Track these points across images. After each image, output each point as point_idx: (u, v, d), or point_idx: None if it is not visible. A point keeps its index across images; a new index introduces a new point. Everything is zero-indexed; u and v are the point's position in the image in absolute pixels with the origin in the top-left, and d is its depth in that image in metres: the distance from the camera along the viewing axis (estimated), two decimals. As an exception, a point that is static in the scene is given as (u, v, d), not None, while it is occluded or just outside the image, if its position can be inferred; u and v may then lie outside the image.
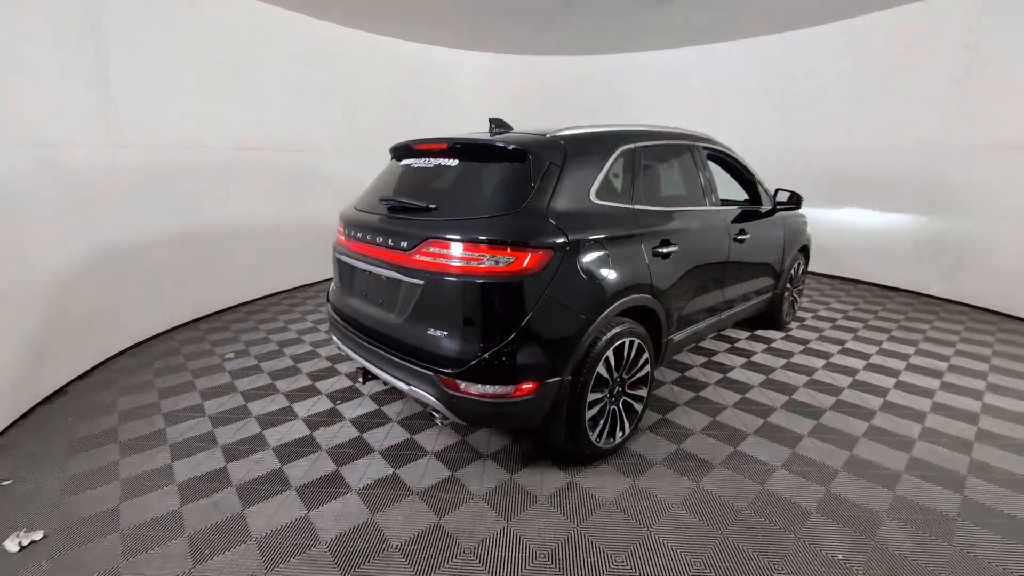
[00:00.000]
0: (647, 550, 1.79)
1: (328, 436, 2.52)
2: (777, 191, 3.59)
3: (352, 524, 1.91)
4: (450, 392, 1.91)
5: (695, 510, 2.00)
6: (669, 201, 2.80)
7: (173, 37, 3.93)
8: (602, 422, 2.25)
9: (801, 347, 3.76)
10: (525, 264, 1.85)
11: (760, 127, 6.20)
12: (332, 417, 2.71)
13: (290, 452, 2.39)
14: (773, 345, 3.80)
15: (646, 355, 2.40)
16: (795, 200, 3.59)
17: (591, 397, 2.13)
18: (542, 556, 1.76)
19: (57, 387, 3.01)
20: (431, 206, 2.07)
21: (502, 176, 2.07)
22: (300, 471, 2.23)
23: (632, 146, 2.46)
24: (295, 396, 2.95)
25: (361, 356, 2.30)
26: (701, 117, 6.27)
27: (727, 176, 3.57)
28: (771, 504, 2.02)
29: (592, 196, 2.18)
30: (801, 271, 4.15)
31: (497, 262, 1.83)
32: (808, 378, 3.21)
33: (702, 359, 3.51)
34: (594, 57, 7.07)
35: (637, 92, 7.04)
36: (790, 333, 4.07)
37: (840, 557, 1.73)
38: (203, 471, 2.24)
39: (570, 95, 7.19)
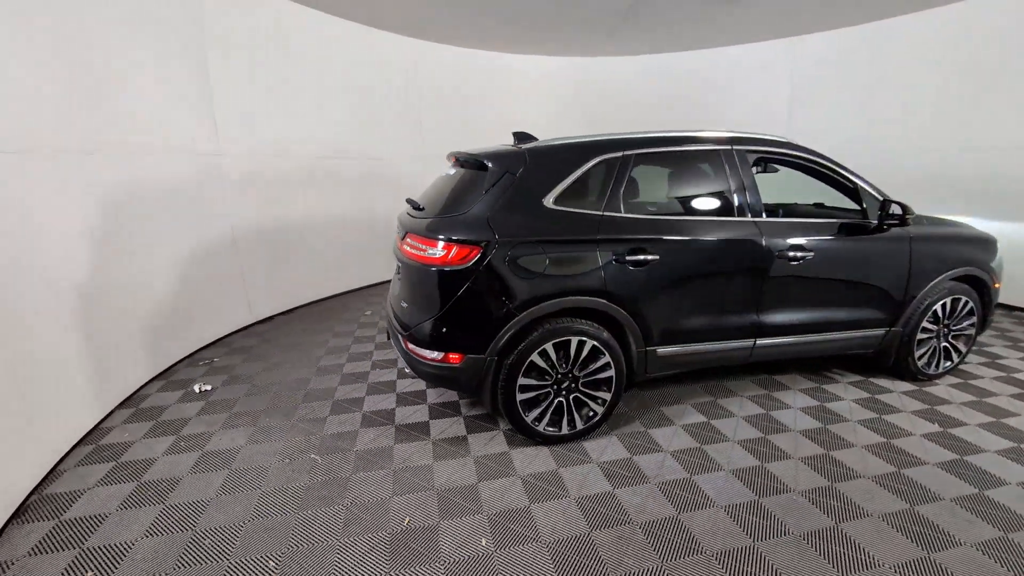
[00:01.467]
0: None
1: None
2: (887, 203, 2.86)
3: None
4: (406, 350, 2.48)
5: (585, 510, 2.09)
6: (663, 209, 2.72)
7: (260, 65, 4.39)
8: (540, 409, 2.46)
9: (919, 406, 2.91)
10: (451, 256, 2.27)
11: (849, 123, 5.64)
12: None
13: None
14: (879, 396, 3.04)
15: (606, 359, 2.47)
16: (900, 213, 2.85)
17: (523, 381, 2.38)
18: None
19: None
20: (422, 207, 2.65)
21: (467, 183, 2.50)
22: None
23: (617, 155, 2.53)
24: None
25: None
26: (779, 113, 6.22)
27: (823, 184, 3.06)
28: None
29: (548, 202, 2.40)
30: (965, 309, 3.14)
31: (433, 253, 2.31)
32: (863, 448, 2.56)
33: (756, 392, 3.11)
34: (661, 56, 6.81)
35: (712, 88, 6.68)
36: (923, 387, 3.14)
37: None
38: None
39: (635, 95, 7.00)
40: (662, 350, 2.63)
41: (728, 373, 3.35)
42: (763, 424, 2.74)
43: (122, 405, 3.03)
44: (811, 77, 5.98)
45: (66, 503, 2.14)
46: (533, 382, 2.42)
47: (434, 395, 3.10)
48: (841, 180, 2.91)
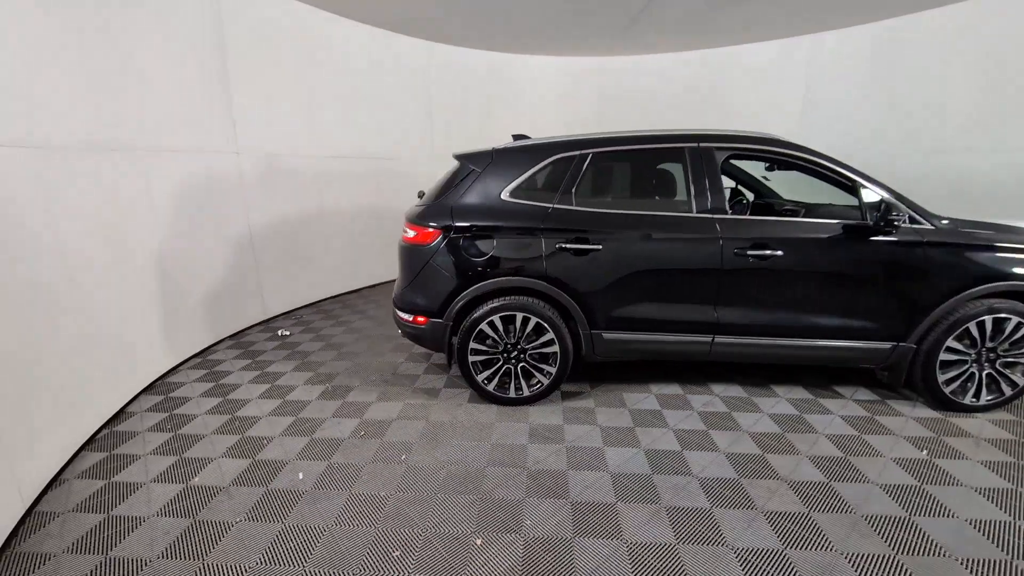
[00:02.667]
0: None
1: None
2: (883, 203, 2.59)
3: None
4: (394, 312, 3.12)
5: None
6: (614, 204, 2.87)
7: (274, 67, 4.48)
8: (490, 372, 2.88)
9: (922, 433, 2.58)
10: (419, 238, 2.82)
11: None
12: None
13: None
14: (879, 417, 2.76)
15: (550, 335, 2.79)
16: (885, 215, 2.58)
17: (474, 346, 2.83)
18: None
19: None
20: (421, 195, 3.24)
21: (450, 178, 3.01)
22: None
23: (573, 154, 2.83)
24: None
25: None
26: (791, 111, 6.14)
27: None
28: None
29: (504, 195, 2.81)
30: (1020, 332, 2.64)
31: (410, 235, 2.89)
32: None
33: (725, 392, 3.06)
34: (673, 55, 6.68)
35: (720, 88, 6.56)
36: (950, 417, 2.74)
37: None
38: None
39: (643, 93, 6.92)
40: (608, 335, 2.84)
41: (721, 375, 3.30)
42: (715, 421, 2.75)
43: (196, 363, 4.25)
44: (827, 75, 5.81)
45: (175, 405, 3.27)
46: (483, 347, 2.85)
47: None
48: (836, 177, 2.72)
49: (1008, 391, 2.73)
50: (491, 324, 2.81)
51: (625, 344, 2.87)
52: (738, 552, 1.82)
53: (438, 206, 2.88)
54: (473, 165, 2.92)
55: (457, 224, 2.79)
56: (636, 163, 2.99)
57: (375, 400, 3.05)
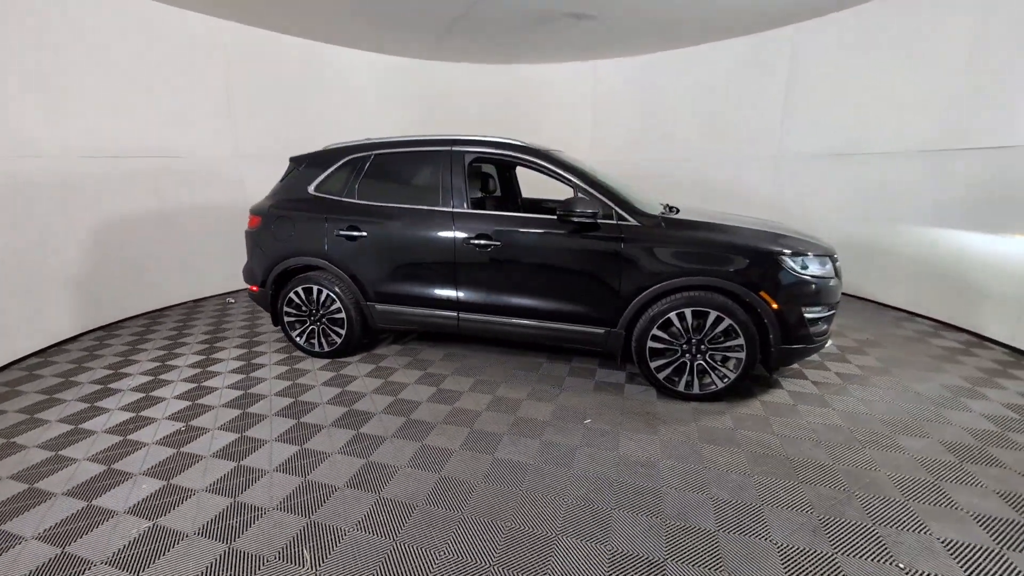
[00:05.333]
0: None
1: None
2: (567, 202, 2.93)
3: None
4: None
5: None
6: (389, 198, 3.39)
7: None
8: (305, 333, 3.64)
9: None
10: (250, 223, 3.69)
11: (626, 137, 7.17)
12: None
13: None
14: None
15: (337, 305, 3.49)
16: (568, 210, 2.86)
17: (287, 310, 3.63)
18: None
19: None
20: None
21: (282, 175, 3.77)
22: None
23: (361, 155, 3.47)
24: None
25: None
26: (582, 124, 7.42)
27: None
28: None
29: (310, 189, 3.53)
30: (721, 326, 2.78)
31: (249, 221, 3.74)
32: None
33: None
34: (493, 67, 7.23)
35: (533, 99, 7.41)
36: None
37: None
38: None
39: (462, 98, 7.28)
40: (379, 307, 3.48)
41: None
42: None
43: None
44: (609, 96, 7.17)
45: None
46: (293, 311, 3.64)
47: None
48: (560, 179, 3.06)
49: (719, 383, 2.88)
50: (296, 294, 3.57)
51: (395, 315, 3.48)
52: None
53: (266, 198, 3.72)
54: (295, 164, 3.69)
55: (271, 212, 3.59)
56: (408, 163, 3.48)
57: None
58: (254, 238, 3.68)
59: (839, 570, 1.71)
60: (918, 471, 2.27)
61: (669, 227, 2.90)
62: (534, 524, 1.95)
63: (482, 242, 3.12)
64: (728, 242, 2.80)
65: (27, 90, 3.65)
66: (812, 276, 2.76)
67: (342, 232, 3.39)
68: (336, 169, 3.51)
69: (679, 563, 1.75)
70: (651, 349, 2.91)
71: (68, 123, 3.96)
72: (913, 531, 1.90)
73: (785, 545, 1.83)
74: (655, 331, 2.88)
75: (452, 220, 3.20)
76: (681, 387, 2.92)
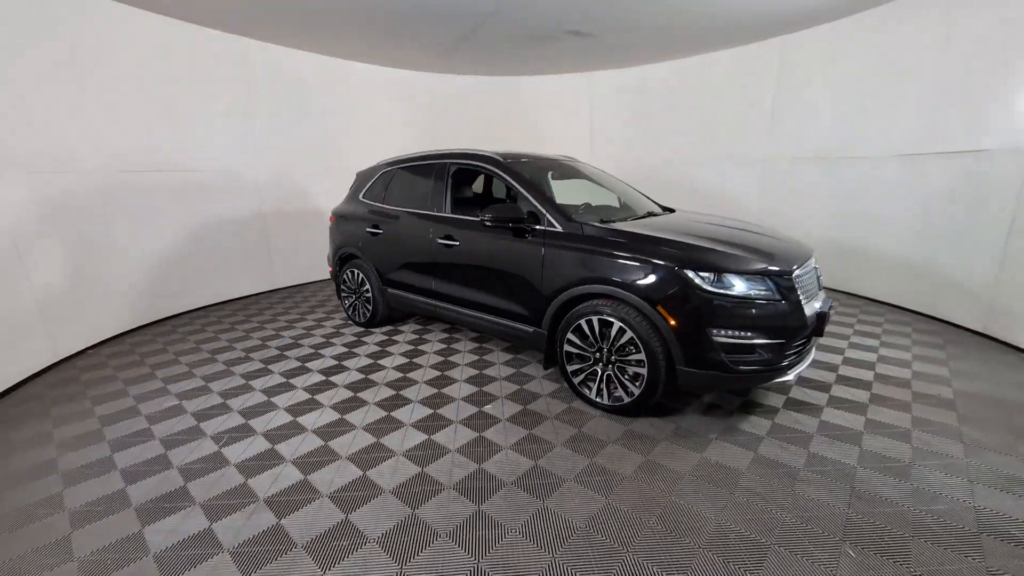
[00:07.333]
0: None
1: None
2: (490, 206, 3.21)
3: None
4: None
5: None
6: (401, 203, 4.01)
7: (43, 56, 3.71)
8: (351, 307, 4.54)
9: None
10: (330, 220, 4.66)
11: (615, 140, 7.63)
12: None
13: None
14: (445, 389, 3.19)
15: (367, 286, 4.30)
16: (501, 214, 3.06)
17: (343, 287, 4.58)
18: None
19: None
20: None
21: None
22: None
23: (389, 168, 4.23)
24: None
25: None
26: (581, 132, 7.80)
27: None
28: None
29: (360, 197, 4.40)
30: (624, 337, 2.63)
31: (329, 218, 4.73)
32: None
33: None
34: (498, 79, 7.52)
35: (536, 109, 7.75)
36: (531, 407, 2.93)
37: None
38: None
39: (474, 111, 7.59)
40: (390, 291, 4.16)
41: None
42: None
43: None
44: (604, 106, 7.53)
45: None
46: (345, 289, 4.56)
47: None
48: (508, 185, 3.26)
49: (625, 398, 2.71)
50: (347, 275, 4.50)
51: (399, 300, 4.12)
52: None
53: (340, 204, 4.63)
54: (357, 177, 4.57)
55: (337, 213, 4.59)
56: (416, 174, 4.00)
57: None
58: (330, 231, 4.68)
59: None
60: None
61: (587, 233, 2.84)
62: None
63: (447, 242, 3.53)
64: (632, 252, 2.65)
65: (69, 110, 3.89)
66: (728, 295, 2.42)
67: (369, 230, 4.18)
68: (375, 180, 4.33)
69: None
70: (567, 353, 2.91)
71: (105, 141, 4.22)
72: None
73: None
74: (569, 335, 2.86)
75: (432, 222, 3.67)
76: (593, 395, 2.85)
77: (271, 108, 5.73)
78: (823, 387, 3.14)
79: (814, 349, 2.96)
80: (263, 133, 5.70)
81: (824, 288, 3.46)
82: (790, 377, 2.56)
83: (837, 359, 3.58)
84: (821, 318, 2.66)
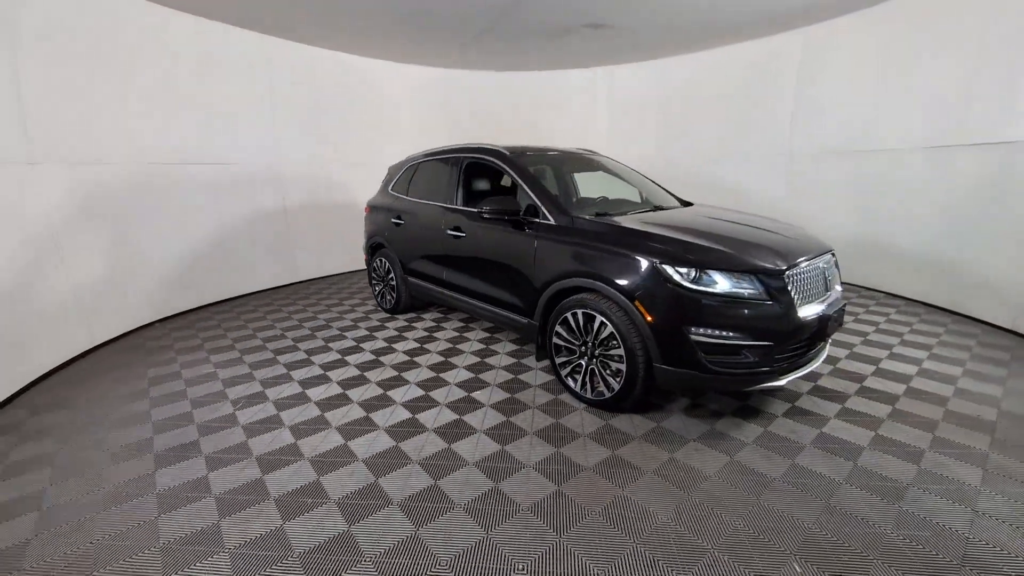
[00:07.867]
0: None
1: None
2: (488, 199, 3.20)
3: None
4: None
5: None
6: (421, 196, 4.17)
7: (85, 58, 3.92)
8: (379, 293, 4.81)
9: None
10: (366, 211, 4.82)
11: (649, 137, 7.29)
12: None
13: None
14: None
15: (392, 275, 4.52)
16: (499, 206, 3.09)
17: (372, 275, 4.85)
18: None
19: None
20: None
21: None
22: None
23: (416, 162, 4.38)
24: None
25: None
26: (600, 126, 7.67)
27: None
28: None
29: (390, 189, 4.61)
30: (605, 332, 2.60)
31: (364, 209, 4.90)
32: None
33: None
34: (517, 74, 7.41)
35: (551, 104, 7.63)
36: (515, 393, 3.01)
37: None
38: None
39: (492, 106, 7.49)
40: (411, 280, 4.32)
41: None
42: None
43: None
44: (625, 99, 7.38)
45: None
46: (374, 276, 4.84)
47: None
48: (511, 177, 3.36)
49: (606, 392, 2.69)
50: (376, 263, 4.72)
51: (418, 288, 4.25)
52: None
53: (374, 196, 4.87)
54: (388, 170, 4.81)
55: (371, 204, 4.81)
56: (435, 168, 4.14)
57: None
58: (365, 221, 4.88)
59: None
60: None
61: (577, 227, 2.83)
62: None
63: (456, 233, 3.64)
64: (614, 246, 2.61)
65: (105, 107, 4.04)
66: (709, 292, 2.31)
67: (394, 220, 4.38)
68: (401, 174, 4.54)
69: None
70: (555, 345, 2.93)
71: (137, 135, 4.36)
72: None
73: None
74: (557, 327, 2.87)
75: (444, 213, 3.81)
76: (578, 388, 2.85)
77: (293, 105, 5.86)
78: (839, 397, 2.88)
79: (824, 354, 2.74)
80: (284, 128, 5.80)
81: (843, 285, 3.22)
82: (781, 383, 2.40)
83: (869, 368, 3.26)
84: (824, 322, 2.46)
